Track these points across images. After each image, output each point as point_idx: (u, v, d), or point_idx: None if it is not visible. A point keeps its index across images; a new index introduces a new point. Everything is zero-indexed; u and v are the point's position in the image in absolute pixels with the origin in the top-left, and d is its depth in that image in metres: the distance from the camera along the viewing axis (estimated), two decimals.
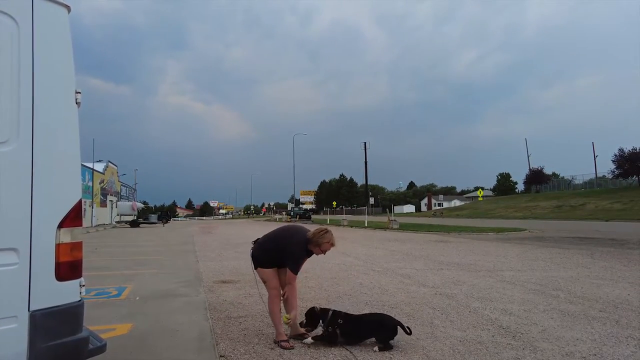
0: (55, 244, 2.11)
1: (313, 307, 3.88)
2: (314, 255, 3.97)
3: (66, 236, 2.14)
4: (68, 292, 2.15)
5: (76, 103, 2.29)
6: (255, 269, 3.99)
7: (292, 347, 3.72)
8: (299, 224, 3.67)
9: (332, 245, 3.91)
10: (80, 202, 2.23)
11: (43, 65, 2.14)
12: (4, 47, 2.04)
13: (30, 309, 2.00)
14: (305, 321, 3.85)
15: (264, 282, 3.98)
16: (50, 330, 2.04)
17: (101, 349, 2.37)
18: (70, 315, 2.14)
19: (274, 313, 3.90)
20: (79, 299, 2.21)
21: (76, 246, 2.19)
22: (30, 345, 1.97)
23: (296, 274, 3.82)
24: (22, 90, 2.06)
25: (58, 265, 2.11)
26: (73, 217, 2.17)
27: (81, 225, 2.22)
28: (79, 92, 2.32)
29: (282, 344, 3.77)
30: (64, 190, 2.19)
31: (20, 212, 2.01)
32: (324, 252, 3.91)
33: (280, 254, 3.86)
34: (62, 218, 2.14)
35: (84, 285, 2.25)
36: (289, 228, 4.19)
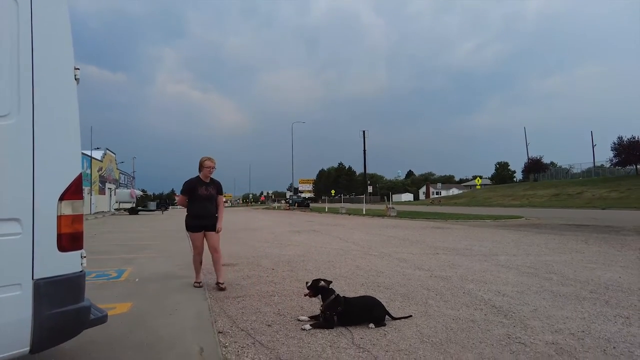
0: (57, 216, 2.16)
1: (319, 280, 3.96)
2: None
3: (67, 208, 2.19)
4: (70, 263, 2.21)
5: (75, 79, 2.32)
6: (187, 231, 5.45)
7: (200, 287, 5.42)
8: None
9: (210, 159, 5.35)
10: (80, 176, 2.27)
11: (42, 40, 2.16)
12: (2, 21, 2.06)
13: (34, 278, 2.06)
14: (309, 284, 3.98)
15: (191, 242, 5.49)
16: (53, 298, 2.10)
17: (102, 319, 2.44)
18: (73, 284, 2.21)
19: (195, 262, 5.60)
20: (81, 269, 2.27)
21: (77, 218, 2.24)
22: (35, 312, 2.04)
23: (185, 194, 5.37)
24: (22, 65, 2.09)
25: (60, 236, 2.16)
26: (74, 191, 2.22)
27: (82, 199, 2.27)
28: (78, 69, 2.34)
29: (195, 284, 5.48)
30: (64, 164, 2.23)
31: (22, 184, 2.06)
32: (209, 168, 5.32)
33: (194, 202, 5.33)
34: (63, 191, 2.18)
35: (85, 257, 2.31)
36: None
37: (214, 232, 5.41)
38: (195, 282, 5.51)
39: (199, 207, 5.31)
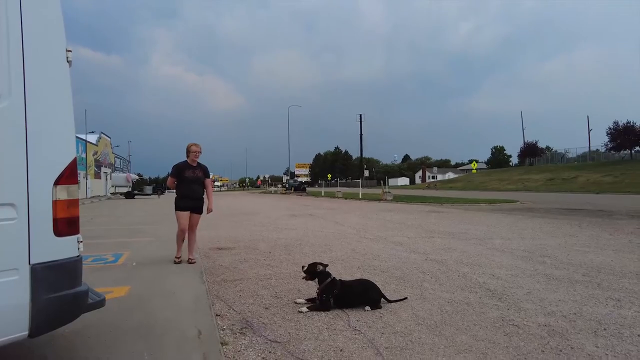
0: (52, 201, 2.14)
1: (315, 263, 4.01)
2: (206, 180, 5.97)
3: (62, 193, 2.17)
4: (66, 247, 2.20)
5: (67, 61, 2.27)
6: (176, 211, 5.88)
7: (179, 262, 5.81)
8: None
9: (196, 145, 5.78)
10: (75, 160, 2.24)
11: (32, 21, 2.10)
12: None
13: (31, 262, 2.06)
14: (306, 268, 4.02)
15: (177, 220, 5.86)
16: (50, 283, 2.10)
17: (100, 303, 2.45)
18: (70, 269, 2.20)
19: (178, 239, 5.94)
20: (77, 254, 2.27)
21: (72, 203, 2.23)
22: (33, 297, 2.04)
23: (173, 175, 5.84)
24: (12, 47, 2.04)
25: (55, 221, 2.15)
26: (68, 175, 2.20)
27: (77, 184, 2.25)
28: (70, 51, 2.29)
29: (175, 259, 5.89)
30: (58, 148, 2.20)
31: (16, 168, 2.03)
32: (195, 153, 5.76)
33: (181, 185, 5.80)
34: (57, 175, 2.16)
35: (81, 242, 2.31)
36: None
37: (198, 215, 5.99)
38: (175, 257, 5.93)
39: (186, 189, 5.77)
